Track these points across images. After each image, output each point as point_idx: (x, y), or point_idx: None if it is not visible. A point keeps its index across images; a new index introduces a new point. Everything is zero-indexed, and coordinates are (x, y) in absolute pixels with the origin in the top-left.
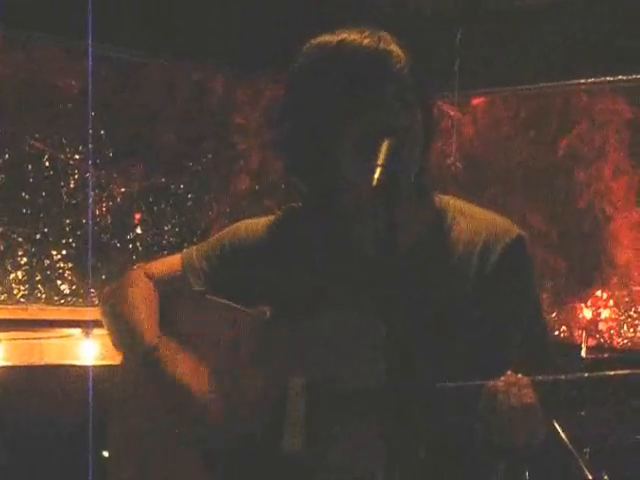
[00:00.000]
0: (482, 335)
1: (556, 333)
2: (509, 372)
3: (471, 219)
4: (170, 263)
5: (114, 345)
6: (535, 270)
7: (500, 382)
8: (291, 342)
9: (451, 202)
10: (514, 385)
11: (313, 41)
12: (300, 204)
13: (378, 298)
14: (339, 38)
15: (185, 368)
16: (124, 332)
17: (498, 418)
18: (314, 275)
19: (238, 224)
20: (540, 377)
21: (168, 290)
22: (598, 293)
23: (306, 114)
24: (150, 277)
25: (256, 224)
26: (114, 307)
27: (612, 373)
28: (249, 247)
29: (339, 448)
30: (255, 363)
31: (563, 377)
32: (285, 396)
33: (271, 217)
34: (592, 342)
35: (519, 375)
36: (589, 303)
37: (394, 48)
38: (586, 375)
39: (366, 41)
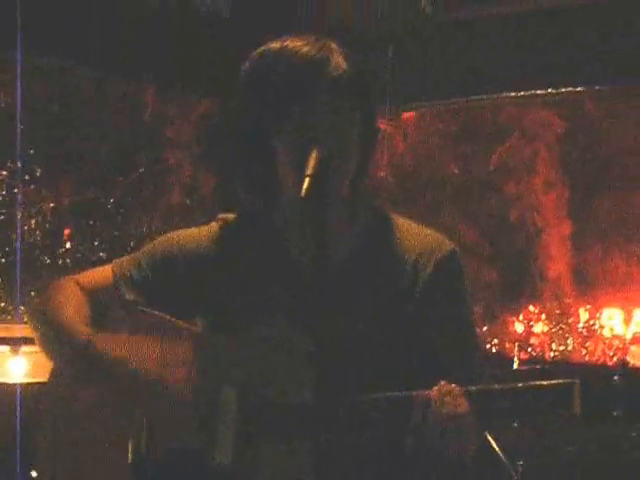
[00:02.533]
0: (414, 347)
1: (488, 346)
2: (442, 382)
3: (405, 232)
4: (100, 273)
5: (45, 352)
6: (467, 283)
7: (433, 391)
8: (222, 355)
9: (385, 214)
10: (447, 394)
11: (260, 48)
12: (234, 215)
13: (308, 311)
14: (282, 45)
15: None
16: (54, 334)
17: (431, 427)
18: (246, 287)
19: (171, 233)
20: (473, 387)
21: (98, 301)
22: (530, 307)
23: (245, 119)
24: (82, 287)
25: (190, 234)
26: (42, 312)
27: (544, 383)
28: (182, 256)
29: (268, 463)
30: (187, 376)
31: (496, 386)
32: (216, 409)
33: (205, 227)
34: (524, 356)
35: (452, 385)
36: (521, 317)
37: (335, 57)
38: (519, 385)
39: (306, 48)
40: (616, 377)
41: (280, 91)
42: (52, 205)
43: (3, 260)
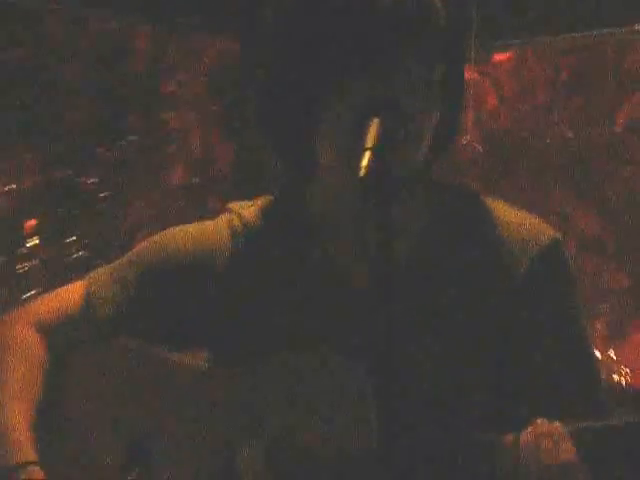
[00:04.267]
0: (509, 371)
1: (615, 377)
2: (539, 420)
3: (493, 220)
4: (69, 295)
5: None
6: (578, 284)
7: (526, 433)
8: (239, 396)
9: (465, 198)
10: (547, 437)
11: None
12: (250, 204)
13: (363, 336)
14: None
15: None
16: None
17: None
18: (272, 305)
19: (164, 233)
20: (584, 424)
21: (68, 337)
22: None
23: (281, 73)
24: (41, 323)
25: (190, 233)
26: None
27: None
28: (179, 266)
29: None
30: (192, 425)
31: (615, 422)
32: (234, 466)
33: (210, 222)
34: None
35: (555, 423)
36: None
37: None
38: None
39: None
40: None
41: (338, 34)
42: (8, 188)
43: None
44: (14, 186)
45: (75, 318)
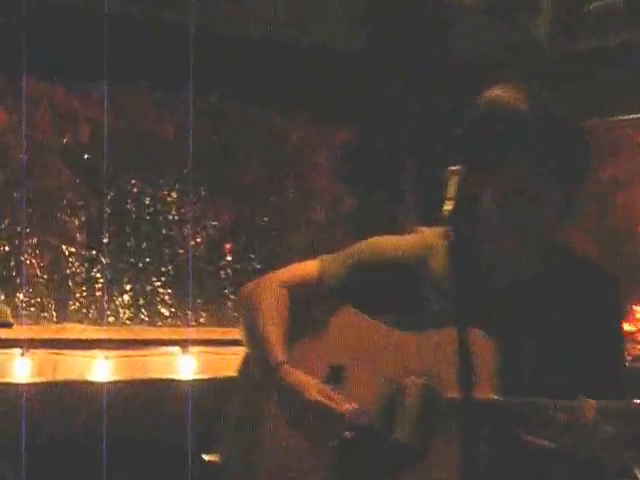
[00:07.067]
0: (573, 358)
1: None
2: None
3: (570, 262)
4: (305, 268)
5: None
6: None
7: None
8: (407, 349)
9: (557, 244)
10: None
11: None
12: (431, 230)
13: (489, 319)
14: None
15: (305, 386)
16: (254, 345)
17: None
18: (431, 292)
19: (376, 239)
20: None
21: (301, 294)
22: (638, 308)
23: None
24: (284, 282)
25: (393, 243)
26: (247, 317)
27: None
28: (383, 263)
29: (434, 446)
30: (376, 362)
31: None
32: (398, 393)
33: (407, 237)
34: (635, 352)
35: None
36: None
37: (508, 102)
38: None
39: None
40: None
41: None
42: (214, 223)
43: (172, 272)
44: (216, 223)
45: (310, 282)
